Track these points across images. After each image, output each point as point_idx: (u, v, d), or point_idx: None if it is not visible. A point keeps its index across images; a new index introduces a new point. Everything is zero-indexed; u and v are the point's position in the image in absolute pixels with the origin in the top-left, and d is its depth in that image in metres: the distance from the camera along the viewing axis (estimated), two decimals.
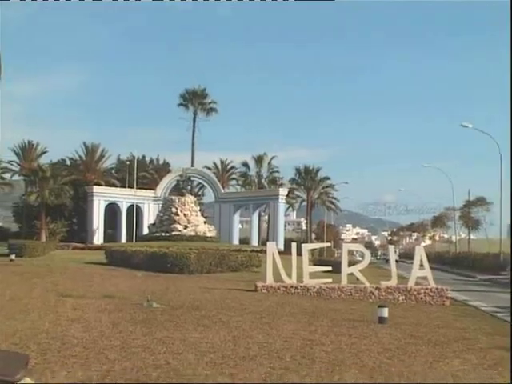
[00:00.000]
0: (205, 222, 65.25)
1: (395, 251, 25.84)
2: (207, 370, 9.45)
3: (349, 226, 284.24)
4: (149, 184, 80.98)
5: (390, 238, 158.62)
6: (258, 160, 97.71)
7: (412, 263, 23.89)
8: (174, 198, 66.85)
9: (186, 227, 61.50)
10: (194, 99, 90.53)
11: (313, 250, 27.16)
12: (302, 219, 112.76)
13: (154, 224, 67.08)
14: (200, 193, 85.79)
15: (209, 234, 62.58)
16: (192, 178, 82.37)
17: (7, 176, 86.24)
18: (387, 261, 38.37)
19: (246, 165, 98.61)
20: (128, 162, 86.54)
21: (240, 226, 79.79)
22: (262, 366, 9.93)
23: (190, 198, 67.63)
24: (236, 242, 72.43)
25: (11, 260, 38.52)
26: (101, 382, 8.37)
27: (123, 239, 71.70)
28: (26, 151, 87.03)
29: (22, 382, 5.96)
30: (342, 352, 11.48)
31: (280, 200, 71.98)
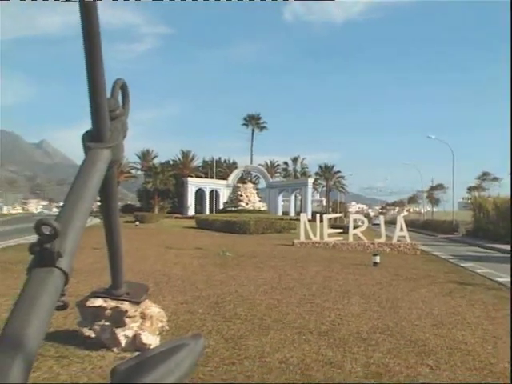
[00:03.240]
0: (260, 201, 65.10)
1: (379, 218, 25.67)
2: (262, 296, 9.56)
3: (353, 202, 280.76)
4: (223, 176, 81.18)
5: (380, 210, 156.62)
6: (294, 160, 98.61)
7: (395, 227, 23.66)
8: (239, 185, 66.88)
9: (247, 204, 61.53)
10: (252, 120, 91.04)
11: (330, 218, 27.01)
12: (323, 198, 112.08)
13: (226, 202, 67.27)
14: (256, 181, 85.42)
15: (262, 209, 62.36)
16: (251, 172, 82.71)
17: (133, 171, 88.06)
18: (373, 224, 38.07)
19: (286, 163, 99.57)
20: (209, 162, 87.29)
21: (282, 203, 79.46)
22: (297, 293, 9.99)
23: (250, 185, 67.69)
24: (280, 213, 72.04)
25: (136, 225, 39.38)
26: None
27: (207, 212, 72.08)
28: (145, 155, 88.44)
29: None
30: (349, 285, 11.47)
31: (308, 186, 71.45)
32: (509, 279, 13.91)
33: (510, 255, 23.56)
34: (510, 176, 65.47)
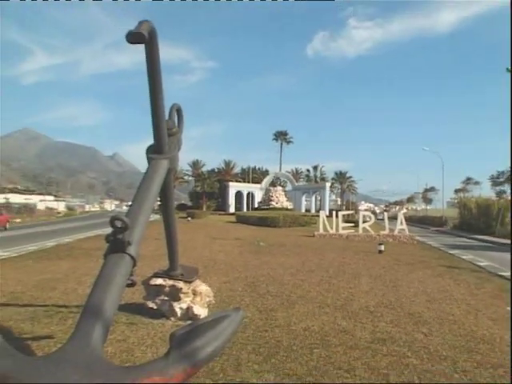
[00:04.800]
0: (287, 200, 64.77)
1: (383, 214, 25.23)
2: (289, 277, 9.53)
3: (363, 202, 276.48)
4: (257, 181, 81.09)
5: (384, 208, 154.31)
6: (315, 168, 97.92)
7: (396, 221, 23.25)
8: (270, 188, 66.82)
9: (277, 203, 61.34)
10: (281, 136, 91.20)
11: (344, 215, 26.62)
12: (338, 199, 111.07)
13: (260, 201, 67.27)
14: (284, 185, 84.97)
15: (289, 207, 61.97)
16: (280, 177, 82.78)
17: (186, 177, 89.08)
18: (379, 219, 37.31)
19: (308, 170, 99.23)
20: (246, 170, 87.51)
21: (305, 202, 78.82)
22: (318, 275, 9.92)
23: (279, 188, 67.57)
24: (303, 210, 71.49)
25: (188, 220, 39.77)
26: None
27: (244, 209, 72.19)
28: (195, 164, 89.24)
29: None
30: (359, 268, 11.32)
31: (326, 189, 70.59)
32: (488, 263, 13.69)
33: (488, 244, 22.96)
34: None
